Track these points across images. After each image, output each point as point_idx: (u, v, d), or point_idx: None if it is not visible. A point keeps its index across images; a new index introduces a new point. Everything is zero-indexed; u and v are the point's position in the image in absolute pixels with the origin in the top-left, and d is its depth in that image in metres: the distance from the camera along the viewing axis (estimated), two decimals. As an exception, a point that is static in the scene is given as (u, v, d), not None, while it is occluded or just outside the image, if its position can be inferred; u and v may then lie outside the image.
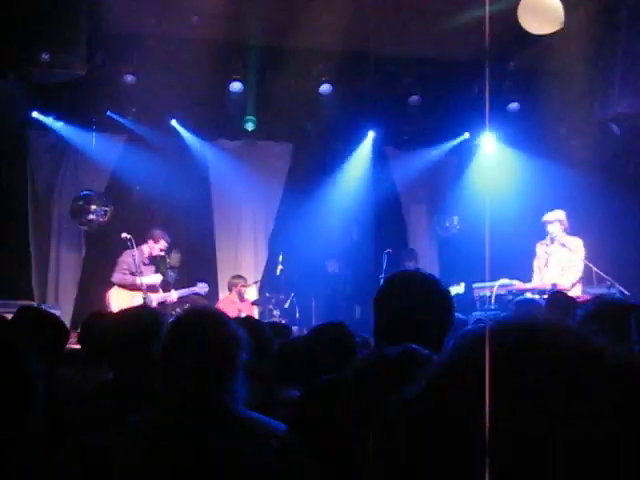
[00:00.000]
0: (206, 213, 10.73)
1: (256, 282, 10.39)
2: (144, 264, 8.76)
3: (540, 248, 8.37)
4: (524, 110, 9.80)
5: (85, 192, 9.69)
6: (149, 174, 9.86)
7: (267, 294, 9.95)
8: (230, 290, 9.71)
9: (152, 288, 8.75)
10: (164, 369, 2.13)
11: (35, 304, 8.63)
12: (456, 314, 2.46)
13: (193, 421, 2.07)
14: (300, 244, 10.23)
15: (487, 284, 8.00)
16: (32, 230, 10.08)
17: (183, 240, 9.94)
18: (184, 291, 9.04)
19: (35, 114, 9.62)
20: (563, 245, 8.14)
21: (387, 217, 11.03)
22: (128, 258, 8.59)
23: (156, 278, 8.83)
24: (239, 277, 9.78)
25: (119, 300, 8.41)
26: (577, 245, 8.09)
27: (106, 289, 8.75)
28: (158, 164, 9.86)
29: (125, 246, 8.52)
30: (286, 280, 9.82)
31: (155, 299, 8.68)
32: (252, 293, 10.19)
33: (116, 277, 8.70)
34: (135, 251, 8.46)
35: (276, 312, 9.50)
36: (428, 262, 11.13)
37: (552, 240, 8.22)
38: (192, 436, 2.03)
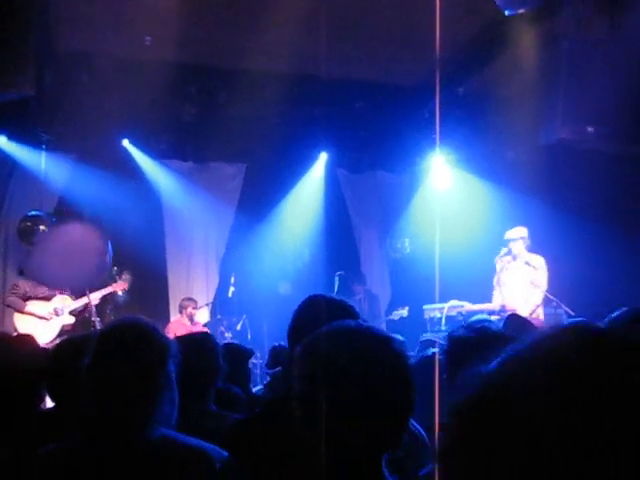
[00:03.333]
0: (158, 234, 10.64)
1: (207, 304, 10.34)
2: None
3: (500, 264, 8.33)
4: (473, 135, 9.99)
5: (33, 212, 9.53)
6: (99, 194, 9.76)
7: (219, 316, 9.91)
8: (181, 312, 9.64)
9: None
10: (86, 392, 2.02)
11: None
12: (397, 336, 2.45)
13: (106, 449, 1.95)
14: (252, 266, 10.23)
15: (437, 305, 8.08)
16: (-23, 250, 9.89)
17: (134, 261, 9.84)
18: (103, 291, 8.69)
19: (-18, 133, 9.47)
20: (527, 263, 8.15)
21: (339, 239, 11.09)
22: (21, 281, 8.42)
23: (44, 308, 8.33)
24: (190, 299, 9.71)
25: (20, 322, 8.25)
26: (540, 263, 8.12)
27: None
28: (109, 185, 9.77)
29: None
30: (238, 302, 9.79)
31: (67, 309, 8.36)
32: (203, 315, 10.13)
33: (4, 299, 8.53)
34: None
35: (228, 334, 9.45)
36: (379, 284, 11.21)
37: (514, 257, 8.23)
38: (103, 464, 1.93)
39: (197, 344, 3.42)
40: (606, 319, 2.63)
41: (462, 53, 8.38)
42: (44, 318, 8.23)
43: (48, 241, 8.54)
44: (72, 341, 2.94)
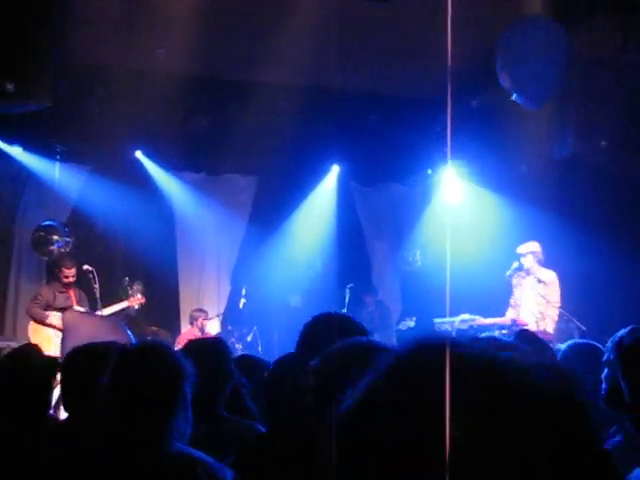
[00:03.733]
0: (169, 245, 10.68)
1: (218, 315, 10.35)
2: (60, 292, 8.44)
3: (515, 280, 8.31)
4: (485, 148, 9.98)
5: (47, 223, 9.58)
6: (112, 205, 9.81)
7: (229, 327, 9.90)
8: (191, 324, 9.65)
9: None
10: (104, 406, 2.11)
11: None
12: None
13: (122, 462, 2.00)
14: (263, 278, 10.23)
15: (448, 319, 8.05)
16: (-9, 260, 9.95)
17: (145, 272, 9.87)
18: (115, 307, 8.71)
19: (-3, 143, 9.54)
20: (539, 280, 8.13)
21: (350, 251, 11.08)
22: (45, 290, 8.44)
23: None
24: (200, 310, 9.73)
25: (35, 333, 8.21)
26: (552, 279, 8.09)
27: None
28: (122, 195, 9.82)
29: (87, 278, 8.42)
30: (249, 313, 9.79)
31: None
32: (214, 326, 10.14)
33: (27, 308, 8.48)
34: (97, 285, 8.32)
35: (238, 345, 9.44)
36: (391, 296, 11.19)
37: (527, 273, 8.22)
38: (118, 476, 1.97)
39: (207, 348, 3.41)
40: (611, 339, 2.63)
41: (475, 66, 8.37)
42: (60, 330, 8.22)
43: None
44: (85, 353, 2.96)
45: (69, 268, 8.46)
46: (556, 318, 7.95)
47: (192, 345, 3.57)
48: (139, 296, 8.94)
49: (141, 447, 2.02)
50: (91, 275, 8.35)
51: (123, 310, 8.93)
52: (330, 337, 2.39)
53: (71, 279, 8.46)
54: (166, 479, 2.00)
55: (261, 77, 9.05)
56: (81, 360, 2.88)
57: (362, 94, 10.01)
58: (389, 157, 10.67)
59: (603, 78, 7.48)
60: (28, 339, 8.07)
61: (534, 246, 8.20)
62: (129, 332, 7.00)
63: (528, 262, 8.16)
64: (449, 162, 9.94)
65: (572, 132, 7.83)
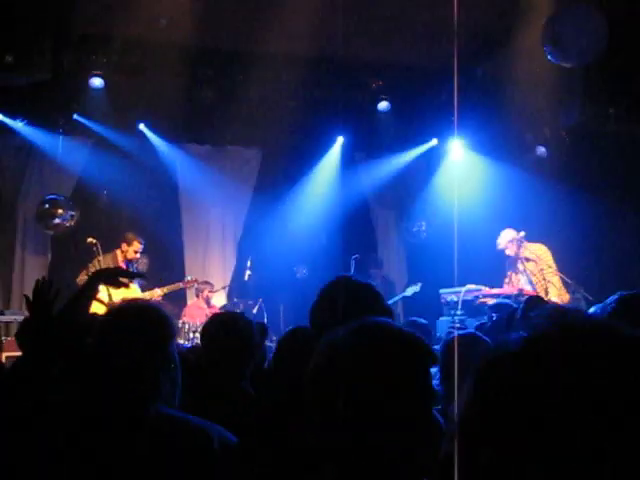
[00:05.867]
0: (174, 218, 10.67)
1: (224, 287, 10.36)
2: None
3: (509, 270, 8.35)
4: (491, 117, 9.88)
5: (51, 196, 9.56)
6: (116, 178, 9.78)
7: (235, 299, 9.92)
8: (197, 296, 9.68)
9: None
10: (92, 364, 2.10)
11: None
12: (417, 319, 2.42)
13: (105, 423, 2.00)
14: (269, 249, 10.22)
15: (454, 289, 8.03)
16: (-4, 234, 9.97)
17: (151, 245, 9.86)
18: (169, 287, 8.78)
19: (0, 117, 9.47)
20: (527, 259, 8.13)
21: (356, 223, 11.05)
22: (99, 263, 8.34)
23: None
24: (206, 283, 9.74)
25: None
26: (540, 252, 8.09)
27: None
28: (126, 168, 9.80)
29: (91, 251, 8.39)
30: (254, 285, 9.79)
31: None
32: (220, 298, 10.16)
33: (79, 280, 8.45)
34: (100, 257, 8.30)
35: (244, 317, 9.46)
36: (396, 268, 11.18)
37: (514, 260, 8.23)
38: (101, 438, 1.97)
39: (227, 324, 3.42)
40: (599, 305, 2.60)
41: (481, 34, 8.26)
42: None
43: None
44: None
45: (141, 243, 8.61)
46: (558, 285, 7.89)
47: (211, 322, 3.57)
48: (191, 279, 9.01)
49: (122, 409, 2.01)
50: (95, 248, 8.33)
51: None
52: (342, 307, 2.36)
53: (138, 256, 8.52)
54: (145, 441, 1.97)
55: (265, 47, 8.93)
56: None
57: (367, 64, 9.90)
58: (394, 127, 10.58)
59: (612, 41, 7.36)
60: None
61: (509, 234, 8.21)
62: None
63: (511, 251, 8.17)
64: (455, 131, 9.85)
65: (579, 99, 7.74)
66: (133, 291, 8.27)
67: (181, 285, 8.97)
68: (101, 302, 8.16)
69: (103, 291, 8.19)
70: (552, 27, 6.75)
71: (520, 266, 8.18)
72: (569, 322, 0.82)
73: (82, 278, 8.40)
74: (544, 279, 7.98)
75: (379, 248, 11.33)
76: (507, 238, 8.20)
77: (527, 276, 8.10)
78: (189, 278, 9.14)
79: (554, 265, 7.98)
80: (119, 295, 8.19)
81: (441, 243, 9.40)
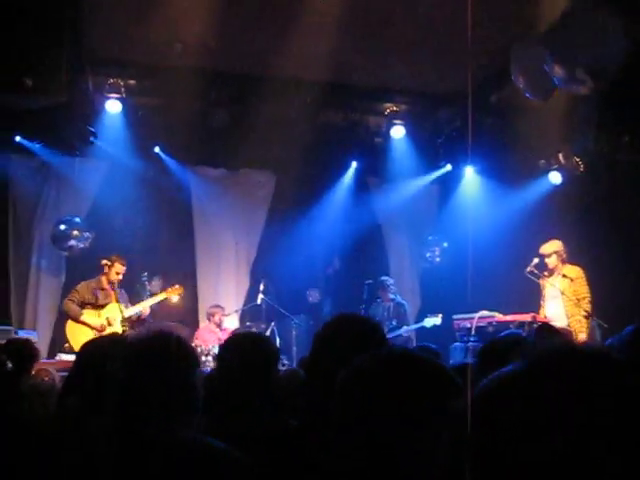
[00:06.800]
0: (188, 241, 10.71)
1: (237, 311, 10.36)
2: (101, 289, 8.43)
3: (542, 281, 8.23)
4: (505, 143, 9.89)
5: (67, 217, 9.63)
6: (131, 201, 9.85)
7: (248, 323, 9.91)
8: (209, 319, 9.67)
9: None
10: (111, 394, 2.12)
11: (13, 329, 8.56)
12: (429, 345, 2.42)
13: (123, 446, 2.03)
14: (282, 273, 10.22)
15: (467, 315, 7.99)
16: (12, 254, 10.03)
17: (164, 267, 9.90)
18: (153, 300, 8.76)
19: (18, 138, 9.57)
20: (564, 276, 8.04)
21: (369, 247, 11.05)
22: (84, 287, 8.43)
23: (97, 318, 8.34)
24: (217, 307, 9.74)
25: (72, 330, 8.24)
26: (578, 274, 7.99)
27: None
28: (141, 191, 9.87)
29: (104, 273, 8.44)
30: (267, 309, 9.79)
31: (118, 318, 8.18)
32: (233, 322, 10.15)
33: (64, 304, 8.51)
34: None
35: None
36: (409, 292, 11.14)
37: (551, 272, 8.14)
38: (118, 461, 1.99)
39: (254, 340, 3.37)
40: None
41: (495, 61, 8.30)
42: (96, 329, 8.21)
43: None
44: (98, 343, 2.98)
45: (123, 265, 8.47)
46: (586, 313, 7.78)
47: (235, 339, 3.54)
48: (177, 286, 8.95)
49: (140, 434, 2.02)
50: (108, 270, 8.37)
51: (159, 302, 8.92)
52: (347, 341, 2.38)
53: (121, 277, 8.48)
54: (164, 465, 1.97)
55: (279, 72, 9.00)
56: (92, 347, 2.90)
57: (381, 89, 9.96)
58: (408, 152, 10.61)
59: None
60: (65, 336, 8.13)
61: (557, 245, 8.10)
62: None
63: (552, 262, 8.06)
64: (468, 157, 9.87)
65: (594, 127, 7.74)
66: (114, 310, 8.29)
67: (165, 294, 8.87)
68: (89, 326, 8.21)
69: (90, 314, 8.26)
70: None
71: (555, 280, 8.05)
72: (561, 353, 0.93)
73: (67, 303, 8.39)
74: (577, 300, 7.87)
75: (391, 273, 11.29)
76: (554, 248, 8.06)
77: (559, 295, 7.97)
78: (176, 287, 9.04)
79: (588, 293, 7.87)
80: (106, 314, 8.27)
81: (454, 269, 9.38)
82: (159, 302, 9.00)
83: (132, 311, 8.49)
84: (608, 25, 6.36)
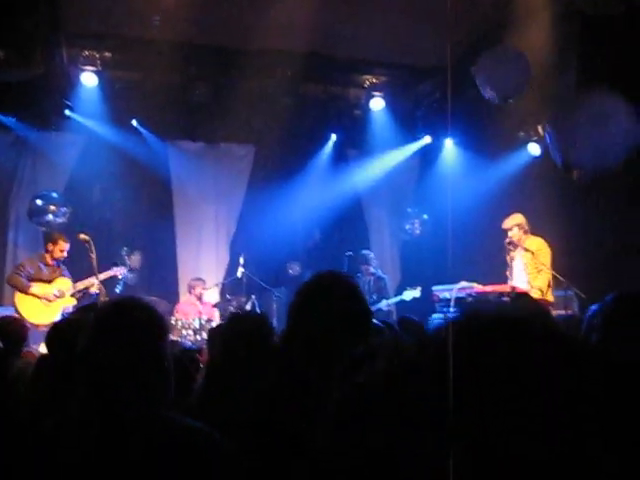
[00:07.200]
0: (167, 215, 10.65)
1: (217, 284, 10.35)
2: (46, 265, 8.35)
3: (508, 256, 8.31)
4: (484, 115, 9.89)
5: (44, 192, 9.53)
6: (109, 175, 9.76)
7: (228, 296, 9.91)
8: (189, 292, 9.67)
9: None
10: (82, 367, 2.04)
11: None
12: (410, 316, 2.43)
13: (96, 427, 1.96)
14: (262, 246, 10.21)
15: (447, 286, 8.03)
16: (-12, 230, 9.94)
17: (144, 242, 9.85)
18: (104, 274, 8.53)
19: (-8, 113, 9.44)
20: (525, 249, 8.12)
21: (349, 220, 11.06)
22: (29, 261, 8.37)
23: (48, 289, 8.28)
24: (198, 280, 9.73)
25: (22, 303, 8.17)
26: (539, 245, 8.07)
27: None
28: (119, 165, 9.78)
29: (83, 247, 8.36)
30: (247, 282, 9.79)
31: (68, 291, 8.27)
32: (213, 295, 10.15)
33: (8, 277, 8.46)
34: (93, 254, 8.27)
35: (237, 314, 9.44)
36: (389, 265, 11.19)
37: (514, 245, 8.24)
38: (92, 442, 1.94)
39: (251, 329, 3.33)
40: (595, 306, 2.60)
41: (475, 32, 8.28)
42: (47, 299, 8.19)
43: None
44: (70, 321, 2.96)
45: (66, 242, 8.40)
46: (543, 285, 7.88)
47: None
48: (122, 267, 8.83)
49: (111, 412, 1.97)
50: (87, 245, 8.29)
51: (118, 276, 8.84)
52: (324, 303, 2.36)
53: (65, 254, 8.40)
54: (138, 444, 1.94)
55: (258, 45, 8.91)
56: (64, 325, 2.88)
57: (360, 61, 9.90)
58: (387, 125, 10.60)
59: (606, 34, 7.38)
60: (16, 309, 8.07)
61: (518, 218, 8.17)
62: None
63: (515, 235, 8.14)
64: (448, 129, 9.86)
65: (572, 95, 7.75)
66: (65, 283, 8.31)
67: (111, 273, 8.66)
68: (38, 297, 8.16)
69: (39, 286, 8.21)
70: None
71: (519, 254, 8.14)
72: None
73: (13, 276, 8.33)
74: (538, 272, 7.96)
75: (372, 245, 11.33)
76: (516, 221, 8.14)
77: (523, 267, 8.08)
78: (129, 258, 9.04)
79: (549, 263, 7.97)
80: (56, 286, 8.24)
81: (434, 241, 9.43)
82: (134, 276, 9.01)
83: (81, 286, 8.40)
84: None
